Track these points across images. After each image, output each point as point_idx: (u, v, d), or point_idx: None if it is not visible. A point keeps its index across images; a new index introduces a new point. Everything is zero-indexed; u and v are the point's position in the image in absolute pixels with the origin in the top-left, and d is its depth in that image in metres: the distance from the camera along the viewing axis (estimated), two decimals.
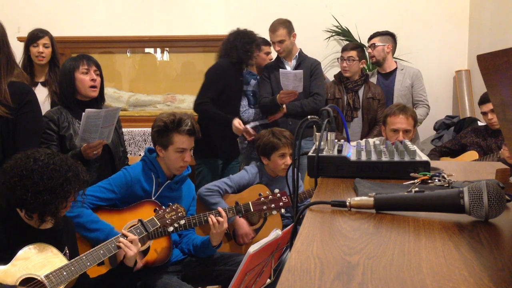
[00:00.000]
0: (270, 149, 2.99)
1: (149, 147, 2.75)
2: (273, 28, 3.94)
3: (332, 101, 4.06)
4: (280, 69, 3.78)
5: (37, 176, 1.89)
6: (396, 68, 4.28)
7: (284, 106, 3.79)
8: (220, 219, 2.55)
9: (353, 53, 4.05)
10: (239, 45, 3.72)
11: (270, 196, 2.69)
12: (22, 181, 1.89)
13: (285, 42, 3.93)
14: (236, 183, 3.01)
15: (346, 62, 4.02)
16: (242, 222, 2.89)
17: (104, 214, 2.50)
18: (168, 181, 2.65)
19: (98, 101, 2.93)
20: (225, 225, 2.56)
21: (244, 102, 4.13)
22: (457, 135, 4.03)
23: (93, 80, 2.79)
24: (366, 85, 4.08)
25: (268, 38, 4.37)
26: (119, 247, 2.16)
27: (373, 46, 4.25)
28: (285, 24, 3.95)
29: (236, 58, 3.74)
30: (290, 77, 3.60)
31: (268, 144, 3.00)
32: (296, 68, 3.88)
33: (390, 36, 4.30)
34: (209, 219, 2.54)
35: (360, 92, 4.05)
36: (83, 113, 2.53)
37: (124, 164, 2.96)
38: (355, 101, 4.01)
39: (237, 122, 3.62)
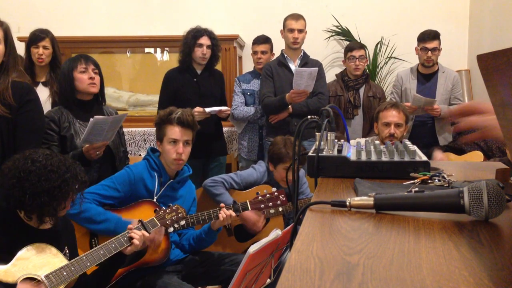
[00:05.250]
0: (277, 160, 3.00)
1: (152, 147, 2.76)
2: (295, 17, 3.94)
3: (334, 98, 4.08)
4: (295, 68, 3.76)
5: (34, 177, 1.89)
6: (437, 70, 4.13)
7: (289, 106, 3.78)
8: (232, 212, 2.59)
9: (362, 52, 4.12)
10: (185, 47, 3.75)
11: (268, 195, 2.70)
12: (20, 183, 1.88)
13: (303, 33, 3.96)
14: (243, 180, 3.01)
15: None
16: (247, 214, 2.88)
17: None
18: (171, 180, 2.66)
19: (99, 101, 2.94)
20: (228, 221, 2.61)
21: (240, 100, 4.12)
22: (457, 135, 4.03)
23: (91, 78, 2.80)
24: (367, 84, 4.13)
25: (270, 35, 4.39)
26: (123, 244, 2.15)
27: (435, 50, 4.03)
28: (304, 18, 4.00)
29: (180, 61, 3.80)
30: (305, 76, 3.57)
31: (276, 154, 3.00)
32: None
33: (439, 36, 4.10)
34: (220, 214, 2.57)
35: (361, 91, 4.08)
36: (91, 119, 2.54)
37: (124, 164, 2.96)
38: (356, 99, 4.04)
39: (196, 109, 3.59)
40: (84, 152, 2.62)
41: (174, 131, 2.62)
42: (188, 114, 2.67)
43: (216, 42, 3.78)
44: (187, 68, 3.79)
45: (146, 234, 2.24)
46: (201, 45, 3.71)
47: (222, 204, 2.64)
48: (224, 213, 2.57)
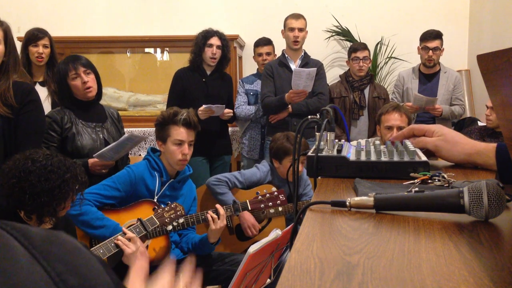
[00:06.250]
0: (283, 153, 3.00)
1: (152, 147, 2.77)
2: (296, 16, 3.97)
3: (339, 99, 4.08)
4: (294, 68, 3.79)
5: (34, 177, 1.89)
6: (439, 70, 4.14)
7: (289, 105, 3.79)
8: (218, 215, 2.56)
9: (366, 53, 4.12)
10: (195, 47, 3.81)
11: (268, 194, 2.70)
12: (20, 183, 1.88)
13: (303, 32, 3.97)
14: (247, 179, 3.02)
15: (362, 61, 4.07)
16: (247, 215, 2.90)
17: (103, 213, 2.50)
18: (171, 180, 2.66)
19: (100, 99, 2.94)
20: (223, 222, 2.57)
21: (242, 100, 4.16)
22: None
23: (84, 82, 2.75)
24: (371, 85, 4.15)
25: (270, 36, 4.41)
26: (118, 246, 2.16)
27: (437, 49, 4.04)
28: (304, 17, 4.02)
29: (190, 61, 3.86)
30: (303, 76, 3.58)
31: (281, 148, 3.00)
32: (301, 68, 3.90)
33: (442, 36, 4.12)
34: (208, 216, 2.55)
35: (366, 92, 4.09)
36: (126, 135, 2.63)
37: (125, 164, 2.96)
38: (361, 100, 4.05)
39: (200, 108, 3.63)
40: (90, 165, 2.62)
41: (180, 132, 2.61)
42: (193, 115, 2.68)
43: (226, 44, 3.83)
44: (197, 68, 3.84)
45: (131, 234, 2.23)
46: (211, 45, 3.77)
47: (218, 205, 2.62)
48: (216, 213, 2.55)
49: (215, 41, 3.77)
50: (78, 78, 2.75)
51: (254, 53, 4.44)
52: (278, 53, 4.28)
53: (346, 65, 4.47)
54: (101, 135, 2.80)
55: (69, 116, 2.76)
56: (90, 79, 2.78)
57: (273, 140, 3.11)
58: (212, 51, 3.76)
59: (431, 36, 4.02)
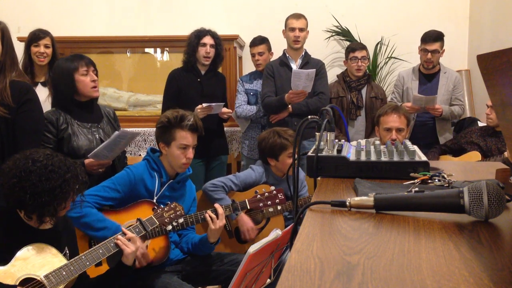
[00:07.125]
0: (279, 149, 2.99)
1: (152, 147, 2.76)
2: (297, 16, 3.97)
3: (336, 99, 4.08)
4: (293, 69, 3.79)
5: (35, 177, 1.89)
6: (439, 70, 4.12)
7: (289, 105, 3.79)
8: (216, 215, 2.56)
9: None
10: (189, 47, 3.82)
11: (266, 193, 2.70)
12: (20, 183, 1.88)
13: (304, 32, 3.98)
14: (242, 181, 3.01)
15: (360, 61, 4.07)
16: (246, 218, 2.90)
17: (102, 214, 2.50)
18: (171, 180, 2.65)
19: (96, 100, 2.94)
20: (223, 221, 2.57)
21: (243, 99, 4.16)
22: (457, 135, 4.03)
23: (93, 81, 2.77)
24: (369, 85, 4.14)
25: (270, 35, 4.41)
26: (117, 246, 2.16)
27: (436, 52, 4.01)
28: (305, 17, 4.02)
29: (184, 61, 3.86)
30: (303, 77, 3.59)
31: (276, 145, 2.99)
32: (301, 67, 3.89)
33: (443, 37, 4.10)
34: (206, 215, 2.54)
35: (363, 92, 4.09)
36: (116, 132, 2.59)
37: (123, 164, 2.96)
38: (359, 100, 4.04)
39: (198, 107, 3.64)
40: (86, 165, 2.61)
41: (186, 137, 2.60)
42: (198, 119, 2.67)
43: (219, 42, 3.84)
44: (191, 68, 3.84)
45: (131, 234, 2.23)
46: (204, 44, 3.77)
47: (216, 204, 2.61)
48: (215, 212, 2.54)
49: (208, 40, 3.77)
50: (87, 75, 2.77)
51: (250, 53, 4.45)
52: (277, 52, 4.27)
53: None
54: (97, 135, 2.79)
55: (64, 117, 2.74)
56: (97, 80, 2.82)
57: (262, 139, 3.08)
58: (205, 50, 3.76)
59: (431, 38, 4.02)
